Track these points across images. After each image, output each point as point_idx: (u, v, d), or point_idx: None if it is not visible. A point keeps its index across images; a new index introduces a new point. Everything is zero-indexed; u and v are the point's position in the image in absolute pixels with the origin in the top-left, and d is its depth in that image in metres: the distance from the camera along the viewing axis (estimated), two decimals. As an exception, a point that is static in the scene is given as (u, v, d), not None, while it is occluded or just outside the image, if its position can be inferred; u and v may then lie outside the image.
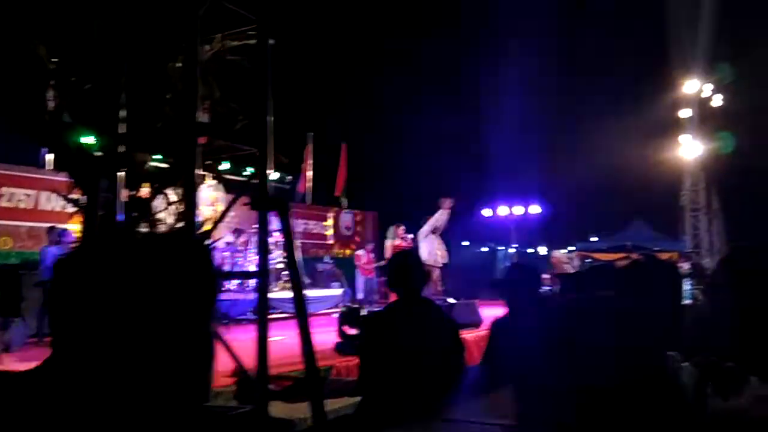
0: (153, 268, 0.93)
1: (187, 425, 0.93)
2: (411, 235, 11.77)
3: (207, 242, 3.46)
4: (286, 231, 2.97)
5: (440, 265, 11.22)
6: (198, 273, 0.96)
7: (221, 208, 4.11)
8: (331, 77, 24.04)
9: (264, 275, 2.94)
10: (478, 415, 2.11)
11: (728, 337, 2.40)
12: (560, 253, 12.54)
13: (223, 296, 10.27)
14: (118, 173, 3.32)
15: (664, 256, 17.63)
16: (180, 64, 3.57)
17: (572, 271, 11.16)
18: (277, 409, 4.60)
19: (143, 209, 3.84)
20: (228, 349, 3.18)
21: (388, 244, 11.76)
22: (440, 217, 11.14)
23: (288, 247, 2.98)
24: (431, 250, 11.08)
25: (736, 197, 23.84)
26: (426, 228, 11.15)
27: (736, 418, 1.19)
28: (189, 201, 2.91)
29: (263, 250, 2.99)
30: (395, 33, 24.81)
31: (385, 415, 2.88)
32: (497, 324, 3.59)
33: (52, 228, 9.50)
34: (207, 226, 3.32)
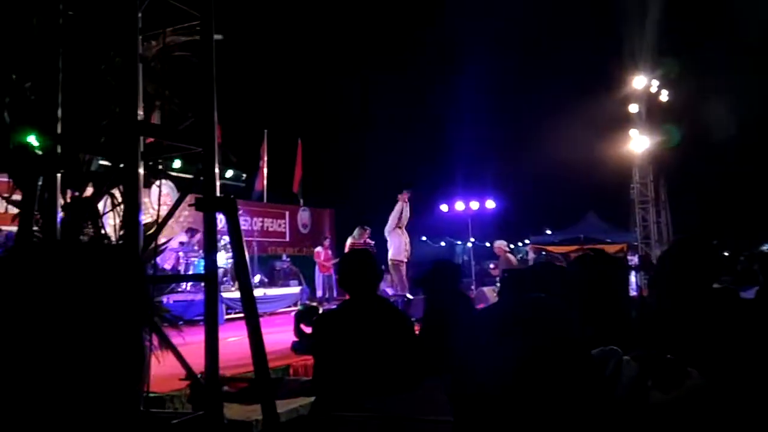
0: (73, 276, 0.90)
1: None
2: (373, 242, 11.79)
3: (154, 245, 3.37)
4: (234, 231, 2.91)
5: (406, 260, 11.23)
6: (120, 281, 0.93)
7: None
8: (285, 73, 23.81)
9: (211, 278, 2.88)
10: (431, 410, 2.10)
11: (671, 330, 2.46)
12: (503, 243, 12.65)
13: (178, 297, 10.07)
14: (58, 174, 3.20)
15: (615, 247, 18.11)
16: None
17: (516, 261, 11.42)
18: (233, 411, 4.53)
19: (87, 210, 3.72)
20: (176, 352, 3.11)
21: (349, 242, 11.72)
22: (400, 209, 11.18)
23: (236, 248, 2.92)
24: (399, 245, 11.12)
25: (682, 189, 24.67)
26: (391, 223, 11.18)
27: (673, 410, 1.20)
28: (131, 202, 2.82)
29: (210, 252, 2.92)
30: (350, 28, 24.73)
31: (338, 414, 2.86)
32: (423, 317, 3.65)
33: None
34: (153, 228, 3.22)
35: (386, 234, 11.26)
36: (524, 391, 0.91)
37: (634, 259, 14.03)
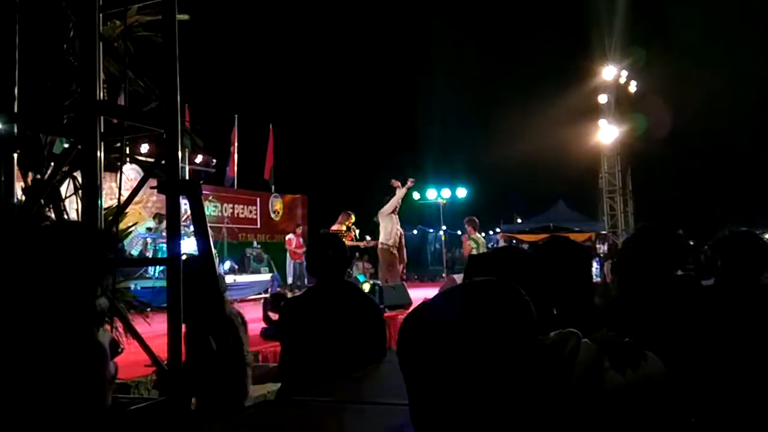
0: (23, 256, 0.86)
1: (75, 421, 0.86)
2: (358, 230, 11.79)
3: (115, 228, 3.30)
4: (198, 215, 2.86)
5: (397, 245, 11.22)
6: (77, 260, 0.88)
7: (143, 192, 3.94)
8: (257, 58, 23.50)
9: (173, 262, 2.82)
10: (389, 396, 2.10)
11: (632, 315, 2.49)
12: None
13: (147, 284, 9.92)
14: (14, 154, 3.10)
15: (583, 236, 18.38)
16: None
17: (469, 248, 11.37)
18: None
19: (48, 193, 3.62)
20: (139, 339, 3.06)
21: (334, 228, 11.65)
22: (401, 196, 11.23)
23: (201, 232, 2.87)
24: (391, 229, 11.09)
25: (649, 178, 25.10)
26: (387, 207, 11.16)
27: (628, 392, 1.21)
28: (90, 185, 2.75)
29: (172, 236, 2.87)
30: (324, 14, 24.49)
31: (302, 399, 2.85)
32: None
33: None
34: (112, 212, 3.15)
35: (380, 217, 11.21)
36: (475, 373, 0.90)
37: (602, 248, 14.20)
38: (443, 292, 1.02)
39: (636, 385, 1.25)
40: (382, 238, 11.18)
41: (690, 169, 26.95)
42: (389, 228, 11.16)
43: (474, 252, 11.29)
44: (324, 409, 2.19)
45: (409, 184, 11.28)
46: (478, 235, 11.81)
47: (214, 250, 3.21)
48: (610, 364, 1.26)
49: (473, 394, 0.90)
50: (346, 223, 11.64)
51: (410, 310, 1.09)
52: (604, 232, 17.49)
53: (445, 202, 20.93)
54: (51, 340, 0.85)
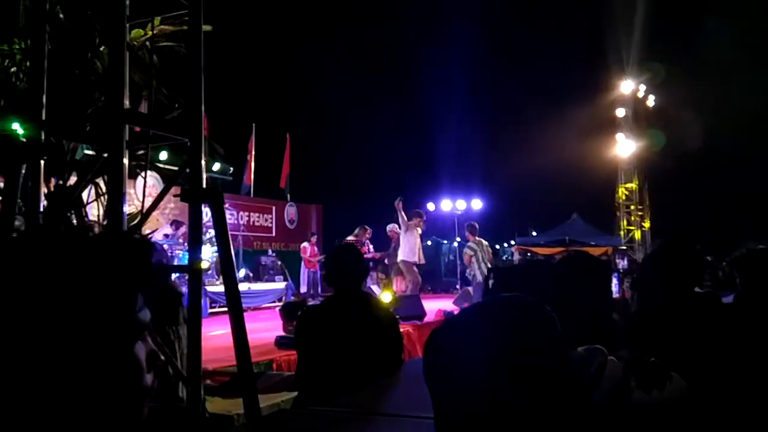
0: (68, 267, 0.84)
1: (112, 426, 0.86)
2: (372, 246, 11.79)
3: (138, 235, 3.33)
4: (220, 224, 2.89)
5: (420, 261, 11.16)
6: (126, 273, 0.87)
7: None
8: (275, 68, 23.68)
9: (194, 270, 2.85)
10: (406, 407, 2.10)
11: (652, 332, 2.48)
12: (394, 227, 11.85)
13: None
14: (41, 161, 3.16)
15: (599, 250, 18.23)
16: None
17: (470, 254, 11.26)
18: (215, 405, 4.51)
19: (71, 199, 3.68)
20: (160, 346, 3.08)
21: (350, 239, 11.66)
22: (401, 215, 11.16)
23: (222, 240, 2.89)
24: (412, 246, 11.03)
25: (666, 193, 24.89)
26: (401, 226, 11.16)
27: (654, 411, 1.21)
28: (115, 191, 2.79)
29: (195, 244, 2.89)
30: (343, 27, 24.67)
31: (318, 409, 2.85)
32: None
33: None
34: (137, 219, 3.19)
35: (402, 231, 11.18)
36: (502, 389, 0.90)
37: (622, 263, 13.98)
38: (468, 307, 1.03)
39: (661, 405, 1.25)
40: (403, 256, 11.09)
41: (707, 185, 26.69)
42: (411, 243, 11.06)
43: (474, 258, 11.25)
44: (340, 419, 2.19)
45: (396, 204, 11.23)
46: (479, 239, 11.52)
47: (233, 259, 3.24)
48: (636, 384, 1.25)
49: (500, 410, 0.90)
50: (364, 236, 11.66)
51: (437, 324, 1.09)
52: (623, 248, 17.31)
53: (459, 212, 20.89)
54: (84, 355, 0.84)
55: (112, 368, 0.84)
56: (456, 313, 1.06)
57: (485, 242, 11.63)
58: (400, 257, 11.18)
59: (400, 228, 11.27)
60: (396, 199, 11.21)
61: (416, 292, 10.89)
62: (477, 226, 11.79)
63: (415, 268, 11.13)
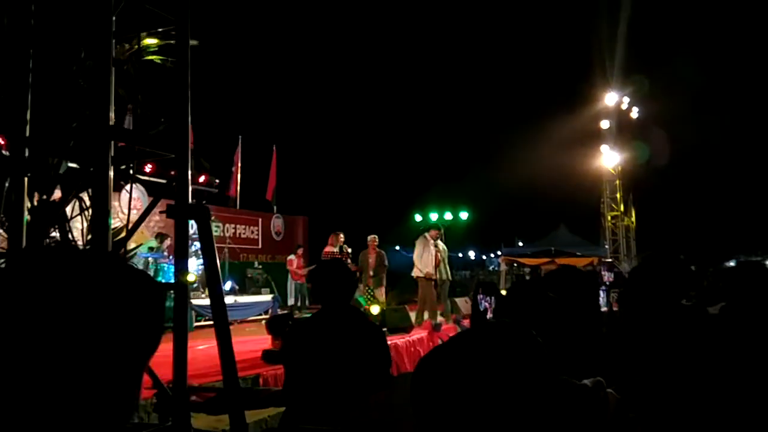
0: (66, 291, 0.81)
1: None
2: (350, 249, 11.63)
3: (123, 250, 3.30)
4: (206, 239, 2.87)
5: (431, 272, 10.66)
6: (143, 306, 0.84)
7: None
8: (261, 80, 23.69)
9: (180, 286, 2.83)
10: (395, 425, 2.09)
11: (640, 345, 2.49)
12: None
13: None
14: (25, 177, 3.12)
15: (585, 261, 18.32)
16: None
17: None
18: (200, 421, 4.45)
19: (55, 214, 3.64)
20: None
21: (327, 249, 11.51)
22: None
23: (208, 254, 2.87)
24: (427, 262, 10.68)
25: (650, 203, 25.14)
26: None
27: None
28: (101, 207, 2.76)
29: (181, 259, 2.87)
30: (327, 36, 24.73)
31: (307, 427, 2.83)
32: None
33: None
34: (122, 233, 3.16)
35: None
36: (494, 416, 0.90)
37: (608, 276, 13.97)
38: (456, 336, 1.02)
39: None
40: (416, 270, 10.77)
41: (691, 195, 27.02)
42: (419, 253, 10.74)
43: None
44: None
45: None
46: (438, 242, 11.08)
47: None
48: (634, 416, 1.27)
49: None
50: (338, 243, 11.49)
51: (424, 337, 1.08)
52: (609, 260, 17.39)
53: (446, 223, 20.93)
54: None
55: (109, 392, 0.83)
56: (444, 341, 1.06)
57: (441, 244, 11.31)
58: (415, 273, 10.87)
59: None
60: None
61: (436, 307, 10.62)
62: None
63: (429, 279, 10.66)
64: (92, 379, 0.79)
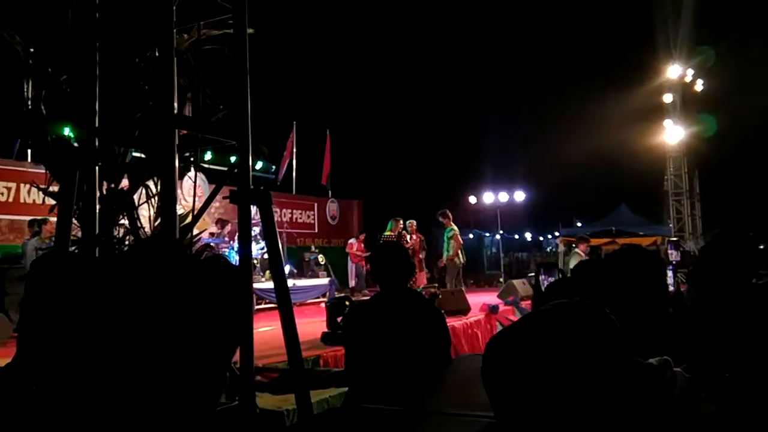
0: (146, 281, 0.85)
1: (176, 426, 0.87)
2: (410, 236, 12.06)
3: (190, 235, 3.41)
4: (268, 223, 2.93)
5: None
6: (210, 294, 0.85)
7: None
8: (315, 65, 23.86)
9: (245, 268, 2.90)
10: (459, 406, 2.09)
11: (709, 326, 2.41)
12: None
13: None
14: (96, 166, 3.26)
15: (648, 240, 17.78)
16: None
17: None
18: (265, 401, 4.58)
19: (123, 202, 3.79)
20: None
21: (387, 234, 11.81)
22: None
23: (270, 239, 2.94)
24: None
25: (717, 181, 24.09)
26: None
27: (725, 423, 1.19)
28: (168, 194, 2.86)
29: (244, 244, 2.95)
30: (380, 22, 24.65)
31: (370, 407, 2.87)
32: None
33: (33, 221, 9.38)
34: (187, 219, 3.26)
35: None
36: (570, 396, 0.89)
37: (675, 254, 13.50)
38: (527, 315, 1.01)
39: (731, 417, 1.24)
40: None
41: (759, 171, 25.72)
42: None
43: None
44: (394, 418, 2.20)
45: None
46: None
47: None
48: (705, 395, 1.23)
49: (569, 417, 0.89)
50: (397, 228, 11.76)
51: (481, 318, 1.08)
52: (675, 239, 16.82)
53: (502, 204, 20.68)
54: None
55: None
56: (513, 321, 1.05)
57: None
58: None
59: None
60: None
61: (460, 284, 11.34)
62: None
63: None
64: (195, 361, 0.83)
